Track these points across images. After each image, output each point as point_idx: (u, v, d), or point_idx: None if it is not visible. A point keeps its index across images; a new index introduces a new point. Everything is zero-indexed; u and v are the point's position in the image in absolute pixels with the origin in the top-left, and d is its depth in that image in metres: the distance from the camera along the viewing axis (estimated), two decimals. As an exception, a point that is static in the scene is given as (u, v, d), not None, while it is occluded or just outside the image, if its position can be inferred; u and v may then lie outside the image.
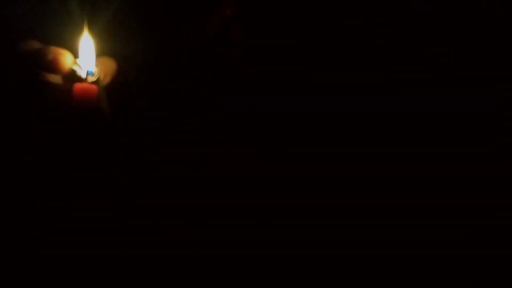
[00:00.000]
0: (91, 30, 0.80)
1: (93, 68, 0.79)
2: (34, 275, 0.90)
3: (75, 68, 0.79)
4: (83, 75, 0.79)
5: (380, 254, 0.92)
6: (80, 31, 0.80)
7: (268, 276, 0.92)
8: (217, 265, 0.93)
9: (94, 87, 0.79)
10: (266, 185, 0.93)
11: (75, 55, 0.79)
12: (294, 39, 0.94)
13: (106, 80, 0.80)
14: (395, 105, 0.96)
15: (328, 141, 0.95)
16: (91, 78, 0.79)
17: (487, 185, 0.93)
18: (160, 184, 0.96)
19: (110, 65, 0.80)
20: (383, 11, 0.97)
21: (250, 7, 0.90)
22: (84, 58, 0.79)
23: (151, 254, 0.94)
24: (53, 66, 0.77)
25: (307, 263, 0.93)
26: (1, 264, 0.91)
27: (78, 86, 0.79)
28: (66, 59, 0.77)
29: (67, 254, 0.91)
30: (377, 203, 0.93)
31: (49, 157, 0.87)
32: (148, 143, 0.95)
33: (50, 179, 0.89)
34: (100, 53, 0.80)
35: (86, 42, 0.80)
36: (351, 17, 0.97)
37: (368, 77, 0.97)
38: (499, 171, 0.93)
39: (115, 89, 0.82)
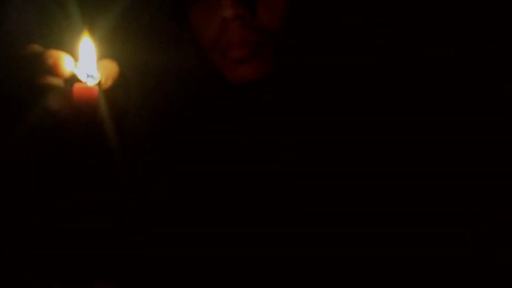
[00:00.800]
0: (91, 33, 0.80)
1: (94, 72, 0.79)
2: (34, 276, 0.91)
3: (76, 71, 0.78)
4: (84, 79, 0.79)
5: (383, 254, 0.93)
6: (80, 34, 0.80)
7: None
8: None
9: (94, 88, 0.79)
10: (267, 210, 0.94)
11: (76, 59, 0.79)
12: (294, 39, 0.94)
13: (107, 83, 0.80)
14: (395, 105, 0.96)
15: (327, 145, 0.96)
16: (92, 82, 0.79)
17: (487, 187, 0.93)
18: (160, 184, 0.97)
19: (112, 68, 0.80)
20: (383, 11, 0.97)
21: (248, 8, 0.89)
22: (85, 62, 0.79)
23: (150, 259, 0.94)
24: (54, 70, 0.77)
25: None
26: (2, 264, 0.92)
27: (77, 87, 0.79)
28: (66, 63, 0.77)
29: (66, 254, 0.91)
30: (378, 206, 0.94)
31: (48, 160, 0.87)
32: (148, 145, 0.96)
33: (49, 182, 0.89)
34: (101, 57, 0.80)
35: (87, 46, 0.79)
36: (351, 17, 0.97)
37: (367, 78, 0.97)
38: (499, 172, 0.94)
39: (115, 91, 0.81)
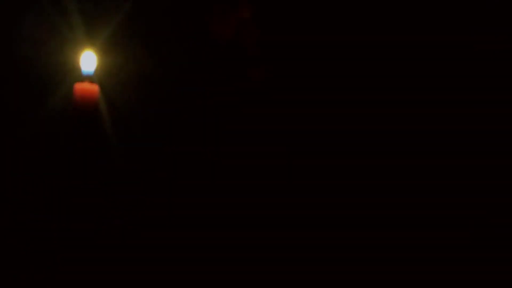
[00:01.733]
0: (92, 41, 0.82)
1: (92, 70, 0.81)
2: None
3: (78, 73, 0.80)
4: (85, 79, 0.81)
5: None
6: (82, 42, 0.81)
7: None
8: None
9: (94, 87, 0.80)
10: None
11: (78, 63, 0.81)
12: (303, 39, 0.95)
13: None
14: (395, 106, 0.96)
15: (328, 144, 0.96)
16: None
17: (487, 188, 0.93)
18: (159, 183, 0.97)
19: None
20: (383, 14, 0.97)
21: (264, 9, 0.91)
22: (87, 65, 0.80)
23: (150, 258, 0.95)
24: None
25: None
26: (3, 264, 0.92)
27: (78, 86, 0.80)
28: None
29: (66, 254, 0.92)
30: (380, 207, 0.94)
31: (50, 156, 0.88)
32: (147, 143, 0.96)
33: (51, 179, 0.90)
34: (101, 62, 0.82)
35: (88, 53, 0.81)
36: (352, 19, 0.97)
37: (368, 79, 0.97)
38: (499, 173, 0.94)
39: (116, 91, 0.82)
